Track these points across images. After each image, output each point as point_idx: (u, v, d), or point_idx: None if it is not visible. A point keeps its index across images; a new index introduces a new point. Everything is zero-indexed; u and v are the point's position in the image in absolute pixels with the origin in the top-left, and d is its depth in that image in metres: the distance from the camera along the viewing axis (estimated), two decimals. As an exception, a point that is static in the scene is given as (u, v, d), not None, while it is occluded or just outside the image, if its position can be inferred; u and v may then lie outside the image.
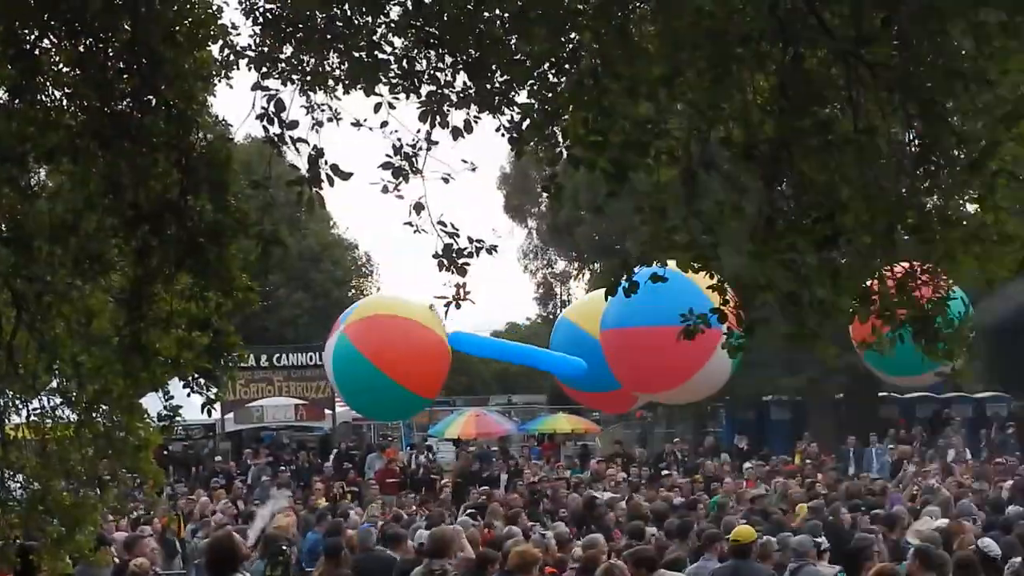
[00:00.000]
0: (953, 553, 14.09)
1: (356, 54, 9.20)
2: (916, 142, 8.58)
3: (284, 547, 15.12)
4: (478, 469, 36.13)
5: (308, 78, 9.60)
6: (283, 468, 36.90)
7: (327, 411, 41.44)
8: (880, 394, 46.29)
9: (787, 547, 15.25)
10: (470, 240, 8.82)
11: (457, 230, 8.72)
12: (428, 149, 9.10)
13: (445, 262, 8.76)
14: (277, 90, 9.28)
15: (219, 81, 10.66)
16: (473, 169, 9.01)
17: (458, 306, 9.00)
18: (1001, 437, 39.32)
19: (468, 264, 8.77)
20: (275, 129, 9.10)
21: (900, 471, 31.58)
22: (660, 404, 48.67)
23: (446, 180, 8.83)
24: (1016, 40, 8.04)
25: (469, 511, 21.49)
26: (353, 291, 65.11)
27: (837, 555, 16.08)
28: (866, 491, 24.87)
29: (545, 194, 9.56)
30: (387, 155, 8.84)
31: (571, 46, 8.83)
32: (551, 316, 74.24)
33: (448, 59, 9.17)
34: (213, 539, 13.96)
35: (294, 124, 9.10)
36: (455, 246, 8.76)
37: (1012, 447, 37.38)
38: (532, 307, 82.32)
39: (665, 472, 32.41)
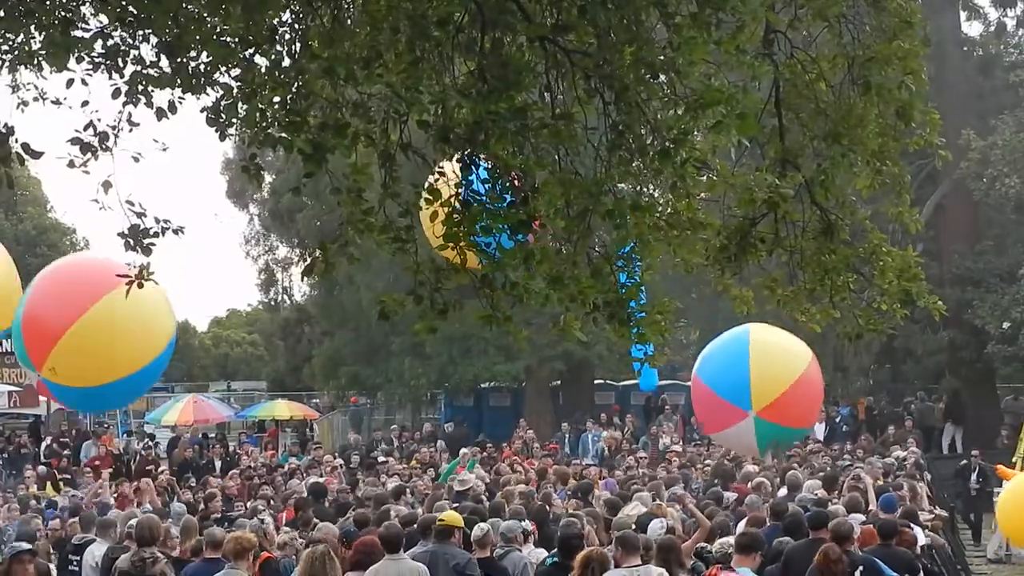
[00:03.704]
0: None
1: (52, 31, 8.90)
2: (611, 129, 8.71)
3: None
4: (194, 456, 35.61)
5: (12, 55, 9.27)
6: (-6, 455, 35.89)
7: (41, 397, 40.27)
8: (596, 381, 47.19)
9: (496, 532, 15.39)
10: (157, 220, 8.62)
11: (144, 210, 8.52)
12: (127, 130, 8.87)
13: (131, 242, 8.55)
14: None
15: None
16: (164, 149, 8.85)
17: (140, 286, 8.83)
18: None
19: (154, 244, 8.58)
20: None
21: (612, 457, 32.30)
22: (380, 391, 48.70)
23: (136, 159, 8.64)
24: (706, 32, 8.25)
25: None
26: (70, 276, 63.24)
27: (548, 539, 16.32)
28: (579, 476, 25.27)
29: (245, 174, 9.44)
30: (76, 131, 8.58)
31: (269, 26, 8.70)
32: (272, 303, 73.77)
33: (153, 39, 8.94)
34: None
35: (-19, 103, 8.79)
36: (142, 226, 8.55)
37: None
38: (255, 293, 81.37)
39: (382, 459, 32.31)
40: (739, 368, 27.13)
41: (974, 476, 31.82)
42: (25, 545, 13.31)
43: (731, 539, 13.88)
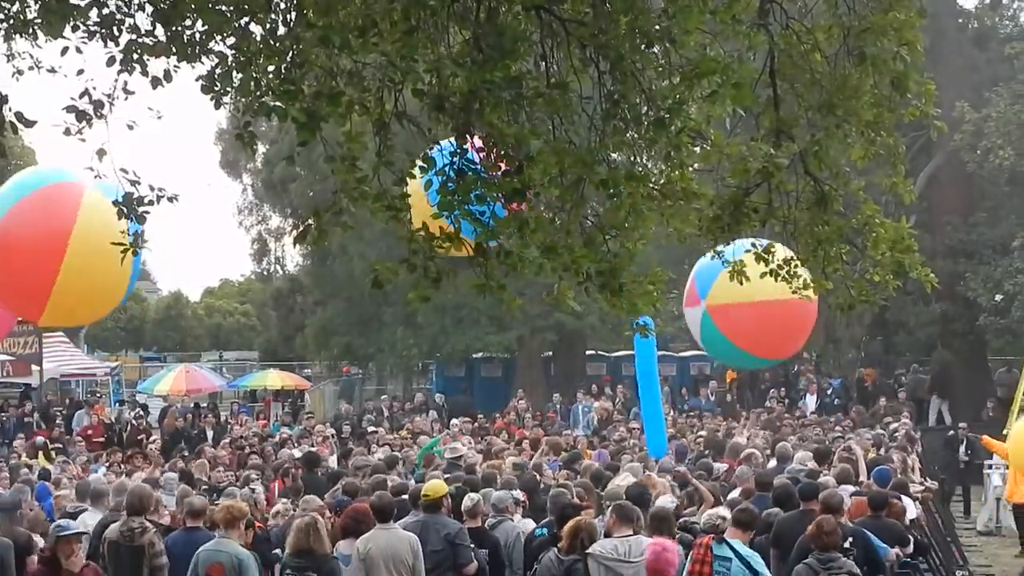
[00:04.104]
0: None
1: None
2: (606, 98, 8.70)
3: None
4: (185, 426, 35.66)
5: (8, 24, 9.23)
6: (-7, 422, 35.94)
7: (34, 367, 40.30)
8: (587, 352, 47.19)
9: (487, 501, 15.45)
10: (151, 188, 8.62)
11: (139, 178, 8.53)
12: (122, 98, 8.84)
13: (125, 209, 8.54)
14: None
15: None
16: (159, 117, 8.84)
17: (135, 253, 8.83)
18: (693, 400, 40.22)
19: (148, 212, 8.58)
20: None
21: (603, 427, 32.39)
22: (372, 361, 48.79)
23: (131, 127, 8.64)
24: (702, 2, 8.25)
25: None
26: (61, 243, 63.10)
27: (539, 509, 16.35)
28: (569, 447, 25.31)
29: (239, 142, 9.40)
30: (72, 98, 8.57)
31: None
32: (265, 272, 73.73)
33: (148, 7, 8.91)
34: None
35: (-30, 71, 8.78)
36: (136, 194, 8.55)
37: (710, 404, 38.46)
38: (247, 263, 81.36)
39: (372, 430, 32.28)
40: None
41: (963, 448, 31.92)
42: (74, 526, 13.23)
43: (721, 510, 13.89)
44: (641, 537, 12.58)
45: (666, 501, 15.09)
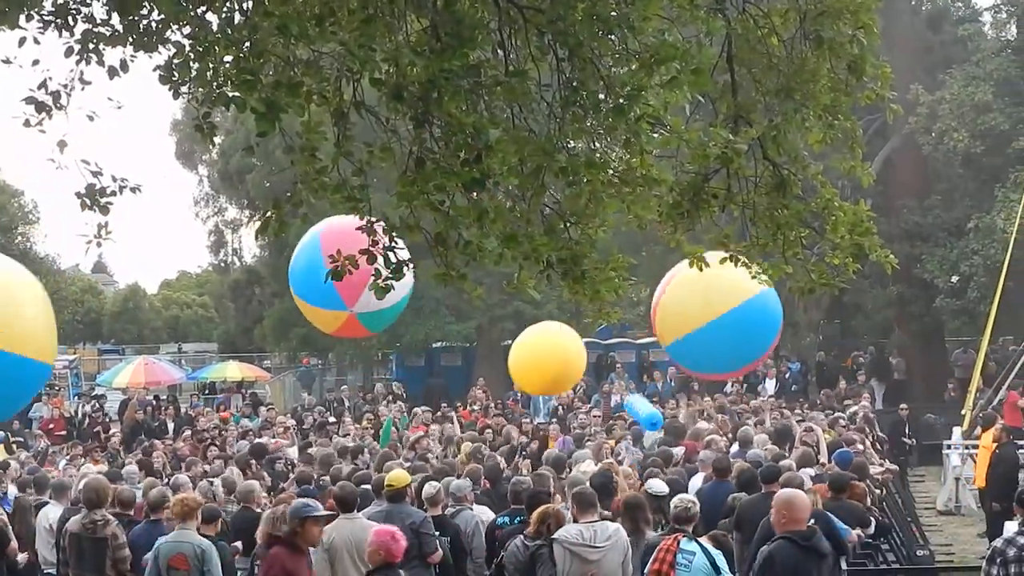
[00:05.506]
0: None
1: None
2: (564, 86, 8.70)
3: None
4: (145, 418, 35.53)
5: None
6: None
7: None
8: (547, 340, 47.20)
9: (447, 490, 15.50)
10: (113, 179, 8.58)
11: (100, 169, 8.47)
12: (79, 88, 8.78)
13: (87, 201, 8.49)
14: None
15: None
16: (119, 107, 8.78)
17: (99, 244, 8.79)
18: (651, 385, 40.24)
19: (111, 203, 8.53)
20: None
21: (565, 415, 32.44)
22: (331, 351, 48.73)
23: (91, 118, 8.56)
24: (660, -14, 8.26)
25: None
26: (20, 238, 62.85)
27: (501, 497, 16.38)
28: (529, 434, 25.40)
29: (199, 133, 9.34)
30: (31, 89, 8.50)
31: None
32: (222, 264, 73.64)
33: (102, -5, 8.85)
34: None
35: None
36: (98, 185, 8.50)
37: (668, 387, 38.51)
38: (205, 255, 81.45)
39: (333, 420, 32.24)
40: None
41: (906, 429, 32.35)
42: (320, 508, 12.64)
43: (691, 495, 13.92)
44: (607, 523, 12.63)
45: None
